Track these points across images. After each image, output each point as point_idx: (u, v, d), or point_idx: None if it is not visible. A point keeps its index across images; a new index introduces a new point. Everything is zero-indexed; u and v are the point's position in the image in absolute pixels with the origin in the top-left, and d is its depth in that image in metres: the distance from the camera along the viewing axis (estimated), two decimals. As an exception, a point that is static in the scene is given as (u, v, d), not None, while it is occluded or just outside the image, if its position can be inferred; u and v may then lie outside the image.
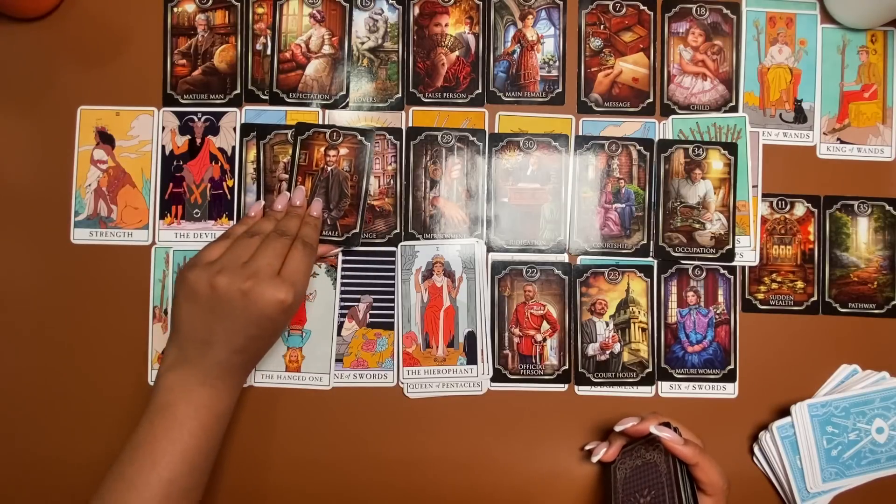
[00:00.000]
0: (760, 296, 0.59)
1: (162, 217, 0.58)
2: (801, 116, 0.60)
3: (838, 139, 0.60)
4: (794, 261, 0.59)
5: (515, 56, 0.60)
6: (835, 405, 0.55)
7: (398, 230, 0.58)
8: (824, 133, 0.60)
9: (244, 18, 0.59)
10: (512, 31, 0.60)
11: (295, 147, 0.58)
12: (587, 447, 0.56)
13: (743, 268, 0.59)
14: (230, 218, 0.58)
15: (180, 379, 0.47)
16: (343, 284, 0.58)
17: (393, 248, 0.58)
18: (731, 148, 0.59)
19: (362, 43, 0.59)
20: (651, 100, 0.60)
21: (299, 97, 0.59)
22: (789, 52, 0.60)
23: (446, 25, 0.59)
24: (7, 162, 0.58)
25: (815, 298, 0.59)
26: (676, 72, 0.60)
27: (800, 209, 0.59)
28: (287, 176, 0.58)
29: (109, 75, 0.59)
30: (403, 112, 0.59)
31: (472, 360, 0.58)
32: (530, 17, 0.60)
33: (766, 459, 0.56)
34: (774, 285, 0.59)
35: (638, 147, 0.59)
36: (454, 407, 0.58)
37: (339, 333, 0.58)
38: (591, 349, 0.58)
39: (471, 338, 0.58)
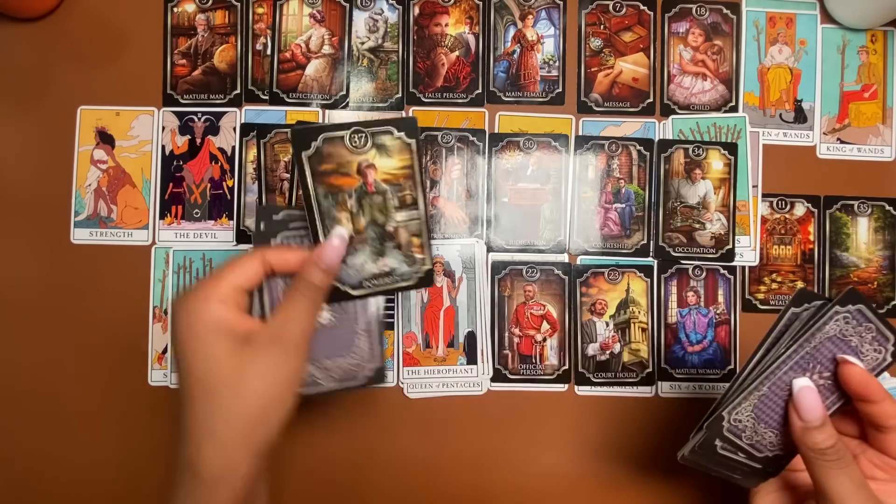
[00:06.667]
0: (760, 296, 0.59)
1: (162, 217, 0.58)
2: (801, 116, 0.60)
3: (838, 139, 0.60)
4: (795, 261, 0.59)
5: (515, 56, 0.60)
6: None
7: (398, 230, 0.58)
8: (824, 133, 0.60)
9: (244, 18, 0.59)
10: (512, 31, 0.60)
11: (295, 147, 0.57)
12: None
13: (743, 268, 0.59)
14: (230, 218, 0.58)
15: None
16: (343, 284, 0.58)
17: (393, 248, 0.58)
18: (731, 148, 0.59)
19: (362, 43, 0.59)
20: (651, 100, 0.60)
21: (299, 97, 0.59)
22: (789, 52, 0.60)
23: (446, 25, 0.59)
24: (7, 162, 0.58)
25: (815, 298, 0.59)
26: (676, 72, 0.60)
27: (800, 209, 0.59)
28: (288, 175, 0.58)
29: (109, 75, 0.59)
30: (403, 112, 0.59)
31: (472, 360, 0.58)
32: (530, 17, 0.60)
33: (766, 459, 0.56)
34: (774, 285, 0.59)
35: (638, 147, 0.59)
36: (454, 407, 0.58)
37: (339, 333, 0.58)
38: (591, 349, 0.58)
39: (471, 338, 0.58)
